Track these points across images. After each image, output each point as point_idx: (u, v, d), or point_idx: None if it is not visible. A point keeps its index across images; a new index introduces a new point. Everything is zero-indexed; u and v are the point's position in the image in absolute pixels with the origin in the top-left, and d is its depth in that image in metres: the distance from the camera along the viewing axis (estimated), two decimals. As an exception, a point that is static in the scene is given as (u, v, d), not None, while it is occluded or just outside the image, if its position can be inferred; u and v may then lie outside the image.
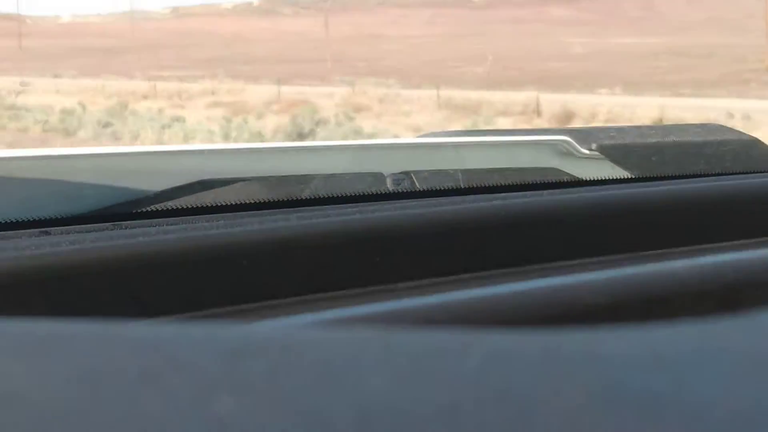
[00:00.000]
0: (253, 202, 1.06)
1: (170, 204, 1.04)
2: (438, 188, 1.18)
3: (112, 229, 0.91)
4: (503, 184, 1.21)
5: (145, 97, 28.16)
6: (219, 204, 1.05)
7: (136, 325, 0.32)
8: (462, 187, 1.21)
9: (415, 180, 1.24)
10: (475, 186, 1.21)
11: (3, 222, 0.92)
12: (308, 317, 0.70)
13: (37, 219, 0.94)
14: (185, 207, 1.03)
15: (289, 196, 1.10)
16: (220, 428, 0.24)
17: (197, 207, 1.03)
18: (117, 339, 0.31)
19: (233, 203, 1.06)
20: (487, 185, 1.21)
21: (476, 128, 10.10)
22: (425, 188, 1.19)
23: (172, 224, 0.92)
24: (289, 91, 28.98)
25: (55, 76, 38.45)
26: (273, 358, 0.29)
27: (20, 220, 0.93)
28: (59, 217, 0.95)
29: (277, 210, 1.02)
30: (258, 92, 28.65)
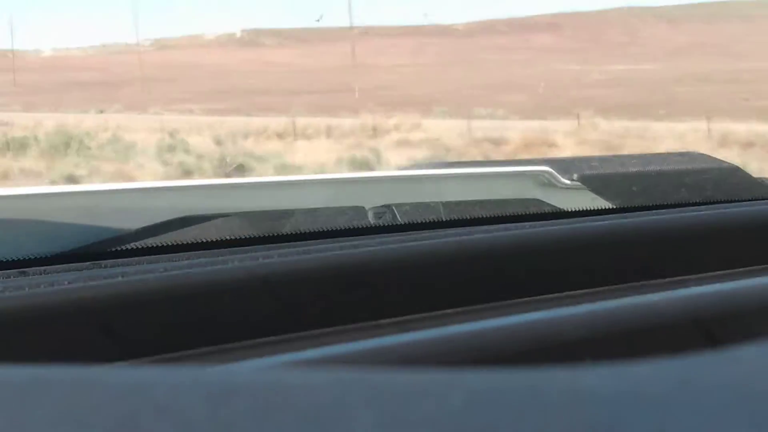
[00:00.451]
0: (234, 238, 1.06)
1: (151, 241, 1.03)
2: (419, 221, 1.18)
3: (91, 269, 0.90)
4: (485, 216, 1.21)
5: (279, 135, 23.40)
6: (200, 241, 1.04)
7: (114, 369, 0.33)
8: (443, 219, 1.21)
9: (396, 213, 1.24)
10: (456, 219, 1.21)
11: None
12: (290, 356, 0.69)
13: (14, 259, 0.93)
14: (166, 244, 1.02)
15: (270, 231, 1.09)
16: None
17: (178, 244, 1.03)
18: (96, 384, 0.31)
19: (214, 240, 1.05)
20: (468, 218, 1.21)
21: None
22: (406, 221, 1.19)
23: (152, 262, 0.92)
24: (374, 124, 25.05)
25: (100, 111, 35.98)
26: (255, 400, 0.29)
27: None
28: (38, 257, 0.95)
29: (259, 246, 1.02)
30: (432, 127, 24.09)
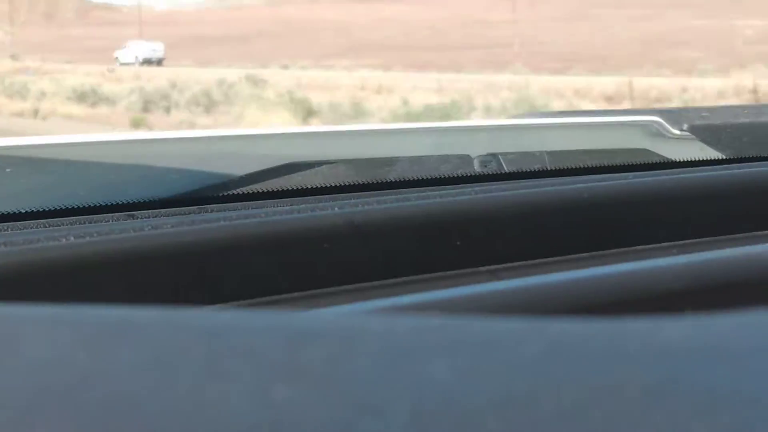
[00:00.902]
0: (336, 185, 1.06)
1: (256, 187, 1.04)
2: (524, 170, 1.17)
3: (197, 213, 0.91)
4: (591, 166, 1.19)
5: (609, 99, 19.69)
6: (303, 187, 1.05)
7: (202, 312, 0.35)
8: (549, 169, 1.20)
9: (502, 162, 1.23)
10: (561, 168, 1.19)
11: (89, 206, 0.93)
12: (378, 303, 0.70)
13: (123, 203, 0.95)
14: (270, 190, 1.03)
15: (373, 179, 1.09)
16: (278, 416, 0.25)
17: (282, 190, 1.04)
18: (183, 326, 0.32)
19: (317, 186, 1.06)
20: (574, 167, 1.19)
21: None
22: (512, 170, 1.18)
23: (256, 208, 0.93)
24: (555, 82, 23.16)
25: (283, 67, 33.74)
26: (333, 345, 0.30)
27: (106, 204, 0.94)
28: (145, 201, 0.97)
29: (361, 193, 1.02)
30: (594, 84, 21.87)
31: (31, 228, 0.83)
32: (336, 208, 0.86)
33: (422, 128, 1.40)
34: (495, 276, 0.79)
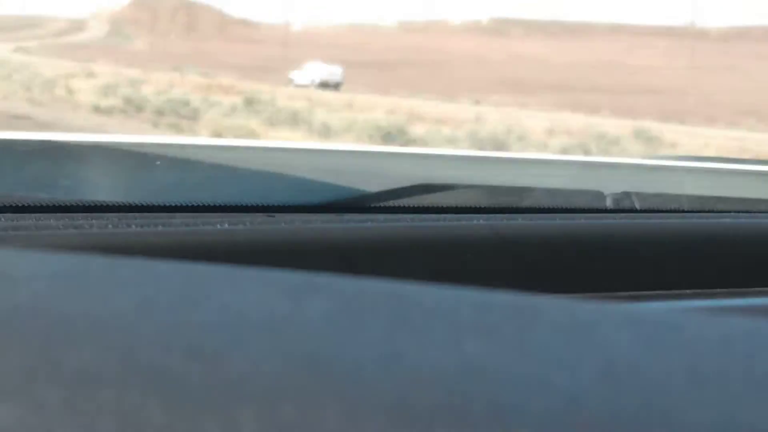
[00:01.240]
0: (473, 206, 1.08)
1: (392, 203, 1.06)
2: (659, 209, 1.16)
3: (330, 220, 0.95)
4: (725, 208, 1.18)
5: None
6: (441, 206, 1.07)
7: (384, 282, 0.37)
8: (684, 209, 1.19)
9: (635, 201, 1.22)
10: (699, 210, 1.18)
11: (235, 205, 0.97)
12: None
13: (262, 204, 0.98)
14: (408, 206, 1.05)
15: (509, 204, 1.10)
16: (470, 366, 0.26)
17: (419, 206, 1.05)
18: (367, 289, 0.34)
19: (456, 206, 1.07)
20: (707, 209, 1.18)
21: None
22: (645, 208, 1.17)
23: (393, 221, 0.95)
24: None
25: (475, 102, 31.17)
26: (520, 317, 0.31)
27: (250, 204, 0.98)
28: (286, 204, 1.00)
29: (499, 215, 1.04)
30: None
31: (188, 217, 0.91)
32: (482, 220, 0.88)
33: (556, 160, 1.40)
34: (637, 299, 0.80)
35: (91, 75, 27.60)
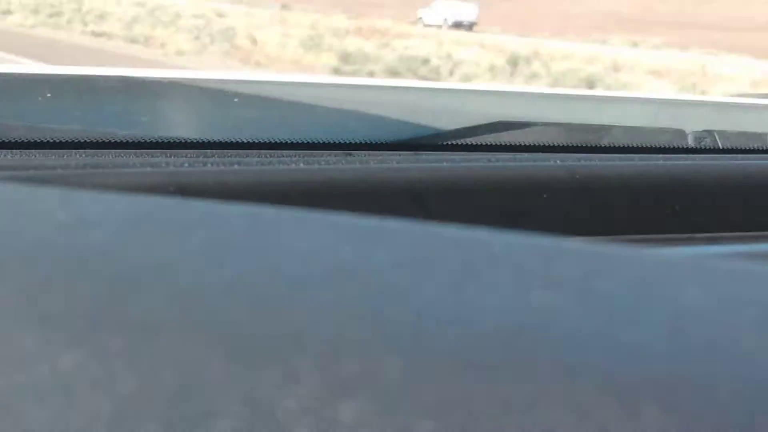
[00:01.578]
0: (550, 145, 1.07)
1: (469, 140, 1.06)
2: (741, 148, 1.14)
3: (412, 155, 0.95)
4: None
5: None
6: (518, 144, 1.06)
7: (450, 227, 0.38)
8: (765, 148, 1.16)
9: (717, 139, 1.20)
10: None
11: (312, 142, 0.98)
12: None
13: (340, 142, 0.99)
14: (484, 144, 1.05)
15: (587, 142, 1.09)
16: (536, 319, 0.27)
17: (496, 144, 1.05)
18: (432, 234, 0.34)
19: (532, 144, 1.07)
20: None
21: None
22: (727, 147, 1.15)
23: (467, 160, 0.95)
24: None
25: (633, 44, 27.69)
26: (588, 264, 0.31)
27: (326, 142, 0.98)
28: (361, 142, 1.00)
29: (576, 154, 1.03)
30: None
31: (264, 155, 0.92)
32: (558, 161, 0.88)
33: (637, 98, 1.38)
34: (714, 243, 0.79)
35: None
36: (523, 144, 1.06)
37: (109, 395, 0.24)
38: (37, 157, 0.84)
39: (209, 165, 0.85)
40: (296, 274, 0.29)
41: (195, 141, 0.94)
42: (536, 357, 0.25)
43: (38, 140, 0.87)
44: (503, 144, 1.05)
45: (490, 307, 0.27)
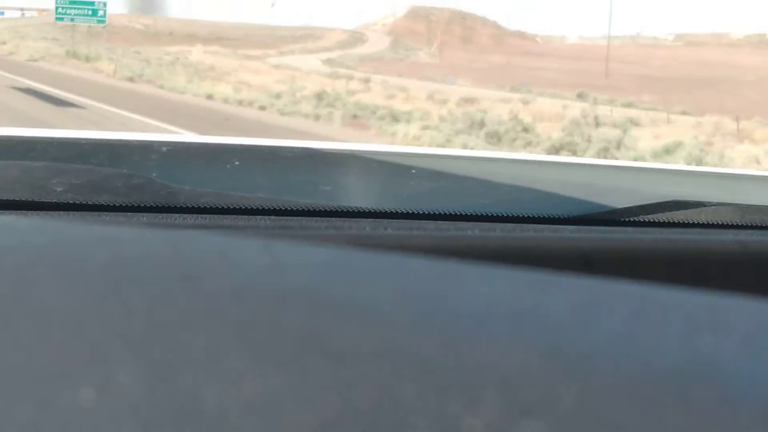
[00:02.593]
0: (723, 223, 1.07)
1: (639, 217, 1.06)
2: None
3: (582, 232, 0.97)
4: None
5: None
6: (690, 222, 1.06)
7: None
8: None
9: None
10: None
11: (487, 214, 1.00)
12: None
13: (511, 215, 1.01)
14: (654, 221, 1.06)
15: (759, 223, 1.08)
16: (698, 364, 0.29)
17: (667, 222, 1.06)
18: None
19: (704, 222, 1.07)
20: None
21: None
22: None
23: (639, 233, 0.97)
24: None
25: None
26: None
27: (501, 215, 1.01)
28: (532, 215, 1.02)
29: (753, 230, 1.03)
30: None
31: (441, 224, 0.96)
32: (730, 236, 0.90)
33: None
34: None
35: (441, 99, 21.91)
36: (696, 222, 1.06)
37: (312, 414, 0.26)
38: (228, 220, 0.89)
39: (389, 230, 0.89)
40: (480, 316, 0.31)
41: (374, 210, 0.97)
42: (699, 395, 0.27)
43: (228, 206, 0.92)
44: (677, 222, 1.06)
45: (657, 349, 0.29)
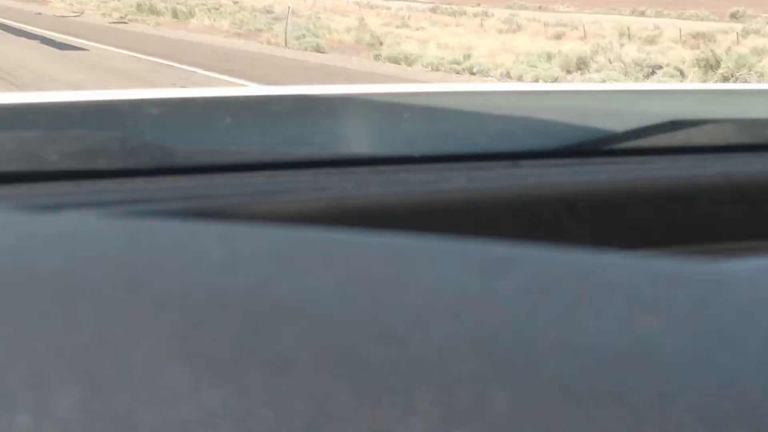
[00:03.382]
0: (719, 145, 1.05)
1: (639, 143, 1.05)
2: None
3: (577, 165, 0.95)
4: None
5: None
6: (689, 145, 1.05)
7: (574, 253, 0.38)
8: None
9: None
10: None
11: (479, 153, 0.99)
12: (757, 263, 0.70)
13: (509, 152, 1.00)
14: (654, 147, 1.04)
15: (756, 140, 1.07)
16: (641, 343, 0.28)
17: (666, 147, 1.04)
18: (559, 262, 0.35)
19: (701, 145, 1.05)
20: None
21: None
22: None
23: (639, 163, 0.95)
24: None
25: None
26: (701, 289, 0.32)
27: (494, 152, 1.00)
28: (529, 150, 1.01)
29: (744, 153, 1.01)
30: None
31: (422, 169, 0.93)
32: (718, 167, 0.87)
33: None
34: None
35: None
36: (692, 146, 1.05)
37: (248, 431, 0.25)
38: (219, 180, 0.88)
39: (375, 186, 0.87)
40: (423, 308, 0.30)
41: (363, 158, 0.96)
42: (637, 385, 0.26)
43: (221, 164, 0.91)
44: (673, 146, 1.04)
45: (597, 335, 0.29)
